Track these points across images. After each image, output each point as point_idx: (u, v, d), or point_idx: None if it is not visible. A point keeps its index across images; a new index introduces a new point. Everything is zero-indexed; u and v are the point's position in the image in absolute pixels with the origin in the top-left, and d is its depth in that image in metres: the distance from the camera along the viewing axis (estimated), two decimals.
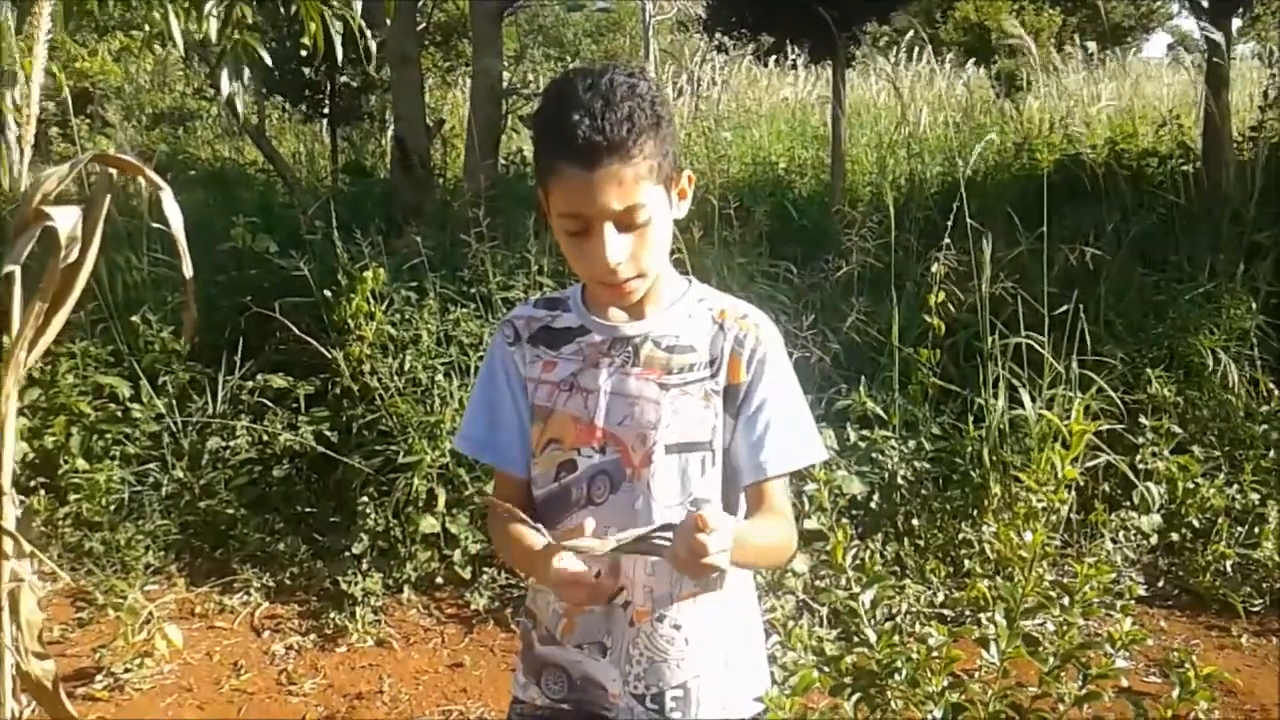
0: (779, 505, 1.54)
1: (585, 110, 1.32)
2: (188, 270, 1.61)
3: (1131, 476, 3.80)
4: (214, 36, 2.85)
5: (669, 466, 1.45)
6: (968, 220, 4.10)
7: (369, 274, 4.12)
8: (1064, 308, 3.96)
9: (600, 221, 1.35)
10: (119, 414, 4.28)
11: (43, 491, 4.07)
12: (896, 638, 1.70)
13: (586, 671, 1.49)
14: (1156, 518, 3.75)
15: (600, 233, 1.35)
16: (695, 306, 1.52)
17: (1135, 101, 8.64)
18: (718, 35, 8.62)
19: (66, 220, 1.46)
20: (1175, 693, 1.59)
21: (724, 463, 1.51)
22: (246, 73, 2.89)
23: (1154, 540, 3.76)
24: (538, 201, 1.47)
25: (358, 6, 3.07)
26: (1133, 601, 2.95)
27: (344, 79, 8.75)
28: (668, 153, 1.39)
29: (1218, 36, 5.39)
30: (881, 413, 3.87)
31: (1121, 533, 3.76)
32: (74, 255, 1.48)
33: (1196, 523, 3.76)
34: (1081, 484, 3.76)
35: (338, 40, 2.93)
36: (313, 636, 3.51)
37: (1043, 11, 15.21)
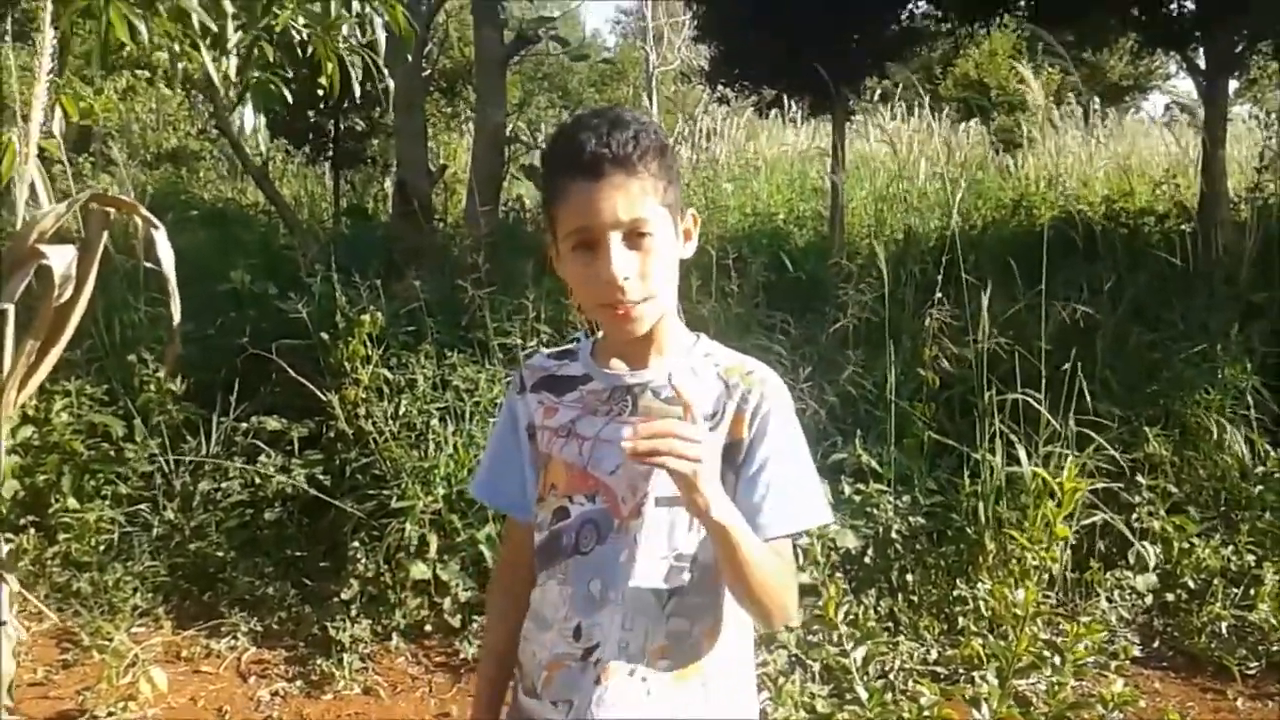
0: (786, 562, 1.52)
1: (592, 131, 1.35)
2: (176, 310, 1.61)
3: (1128, 535, 3.79)
4: (233, 74, 2.88)
5: (658, 519, 1.42)
6: (963, 275, 4.12)
7: (366, 317, 4.13)
8: (1062, 365, 3.96)
9: (606, 234, 1.35)
10: (112, 453, 4.26)
11: (32, 530, 4.04)
12: (889, 695, 1.69)
13: None
14: (1152, 577, 3.72)
15: (606, 246, 1.35)
16: (701, 361, 1.50)
17: (1133, 160, 8.72)
18: (720, 87, 8.73)
19: (61, 259, 1.47)
20: None
21: None
22: (261, 114, 2.93)
23: (1149, 600, 3.73)
24: (542, 247, 1.48)
25: (381, 48, 3.11)
26: (1127, 662, 2.93)
27: (348, 123, 8.83)
28: (673, 181, 1.41)
29: None
30: (877, 466, 3.86)
31: (1116, 592, 3.73)
32: (68, 294, 1.48)
33: (1192, 583, 3.74)
34: (1077, 542, 3.74)
35: (356, 81, 2.96)
36: (299, 683, 3.47)
37: (1041, 70, 15.37)
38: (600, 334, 1.54)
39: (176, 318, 1.61)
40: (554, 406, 1.51)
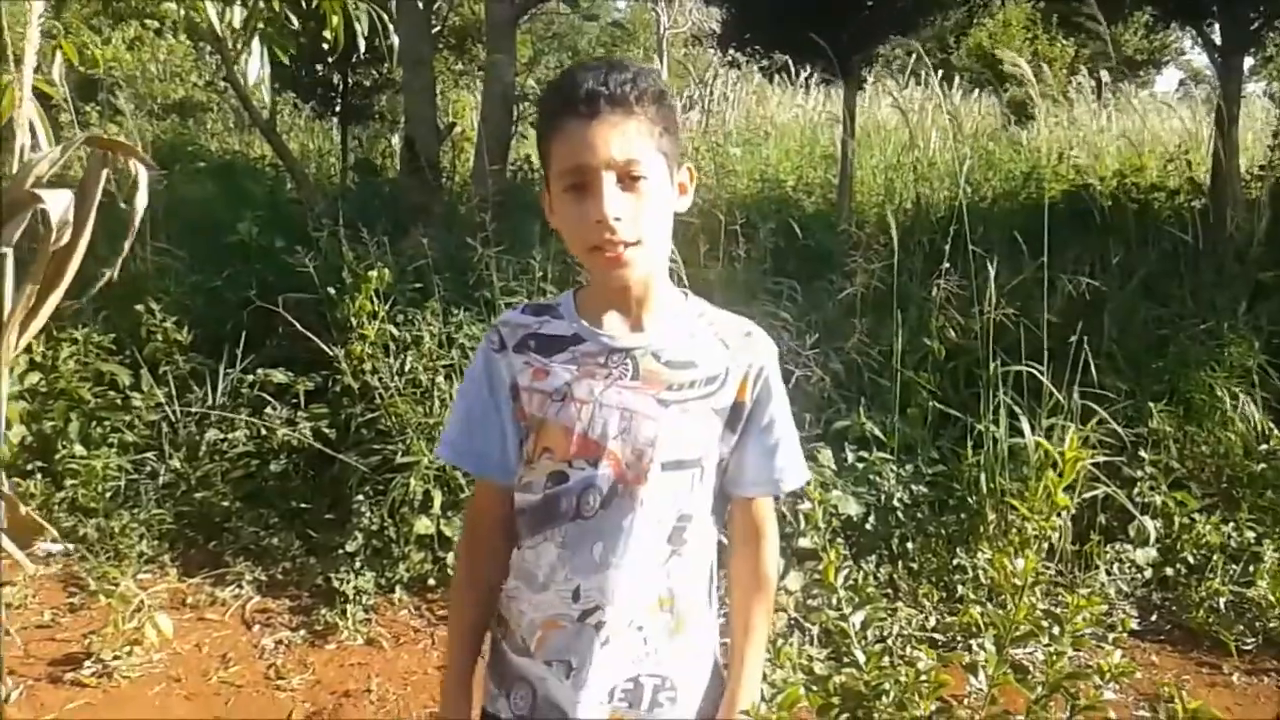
0: (772, 523, 1.56)
1: (591, 72, 1.35)
2: (129, 242, 1.61)
3: (1130, 508, 3.80)
4: (237, 24, 2.87)
5: (662, 483, 1.43)
6: (970, 245, 4.11)
7: (374, 273, 4.13)
8: (1068, 339, 3.96)
9: (599, 173, 1.33)
10: (118, 402, 4.29)
11: (39, 475, 4.07)
12: (886, 660, 1.70)
13: (549, 692, 1.46)
14: (1152, 551, 3.75)
15: (599, 185, 1.33)
16: (696, 322, 1.49)
17: (1145, 135, 8.66)
18: (730, 51, 8.67)
19: (58, 204, 1.46)
20: None
21: (719, 479, 1.50)
22: (267, 65, 2.93)
23: (1148, 574, 3.76)
24: (540, 197, 1.45)
25: (391, 1, 3.09)
26: (1125, 635, 2.96)
27: (356, 78, 8.78)
28: (670, 130, 1.39)
29: None
30: (880, 435, 3.88)
31: (1116, 565, 3.75)
32: (65, 238, 1.47)
33: (1191, 558, 3.76)
34: (1078, 515, 3.76)
35: (361, 36, 2.95)
36: (303, 632, 3.50)
37: (1055, 41, 15.25)
38: (585, 286, 1.52)
39: (126, 247, 1.61)
40: (544, 369, 1.46)
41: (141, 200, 1.53)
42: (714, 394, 1.45)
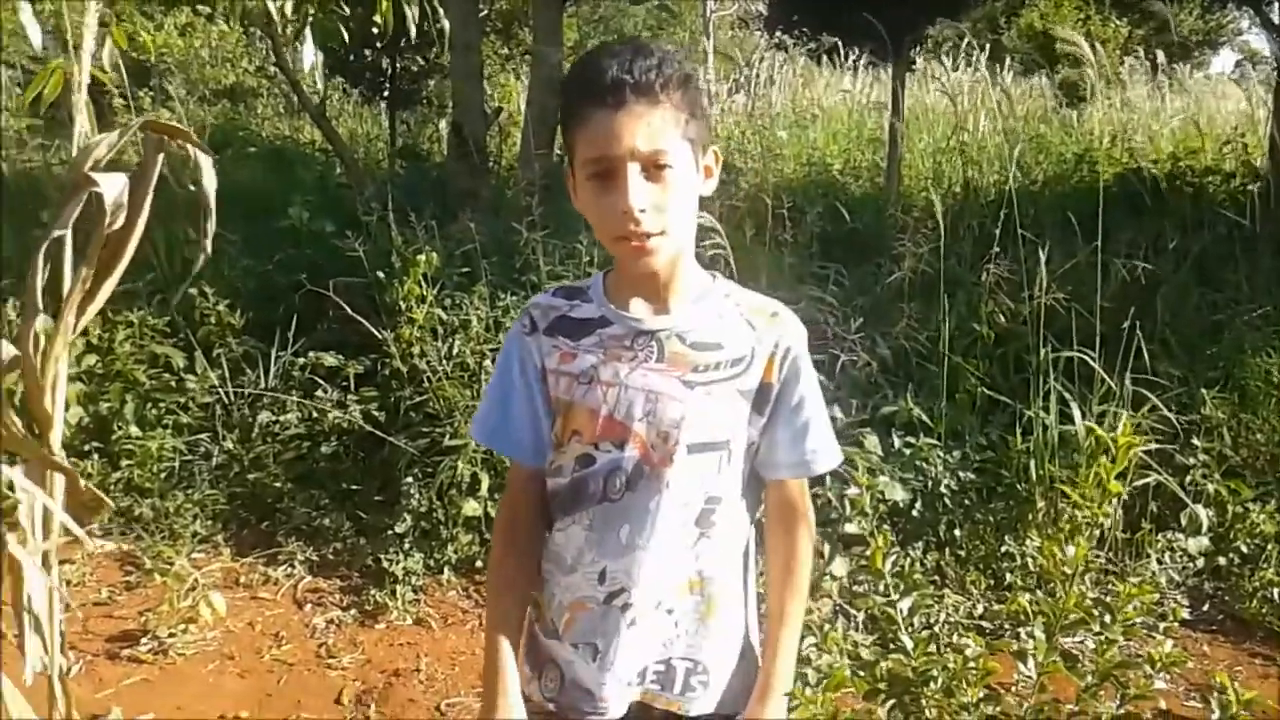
0: (806, 503, 1.55)
1: (615, 58, 1.32)
2: (210, 227, 1.63)
3: (1183, 496, 3.75)
4: (289, 11, 2.90)
5: (689, 465, 1.43)
6: (1019, 230, 4.06)
7: (422, 258, 4.17)
8: (1119, 323, 3.91)
9: (625, 164, 1.31)
10: (173, 384, 4.37)
11: (96, 456, 4.16)
12: (933, 647, 1.69)
13: (576, 673, 1.47)
14: (1204, 540, 3.69)
15: (624, 176, 1.32)
16: (723, 303, 1.48)
17: (1200, 117, 8.49)
18: (778, 33, 8.61)
19: (113, 187, 1.48)
20: (1215, 718, 1.57)
21: (749, 460, 1.50)
22: (319, 52, 2.95)
23: (1200, 564, 3.71)
24: (565, 178, 1.43)
25: None
26: (1177, 624, 2.92)
27: (404, 63, 8.82)
28: (697, 115, 1.37)
29: None
30: (927, 420, 3.85)
31: (1168, 554, 3.71)
32: (120, 222, 1.49)
33: (1245, 548, 3.70)
34: (1129, 503, 3.72)
35: (411, 20, 2.96)
36: (353, 612, 3.56)
37: (1109, 22, 14.98)
38: (613, 269, 1.52)
39: (209, 236, 1.63)
40: (571, 352, 1.47)
41: (210, 183, 1.55)
42: (740, 375, 1.45)
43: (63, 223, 1.45)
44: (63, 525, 1.51)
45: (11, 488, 1.50)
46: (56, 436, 1.56)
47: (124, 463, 4.14)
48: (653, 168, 1.33)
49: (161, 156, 1.58)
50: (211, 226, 1.59)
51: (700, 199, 1.43)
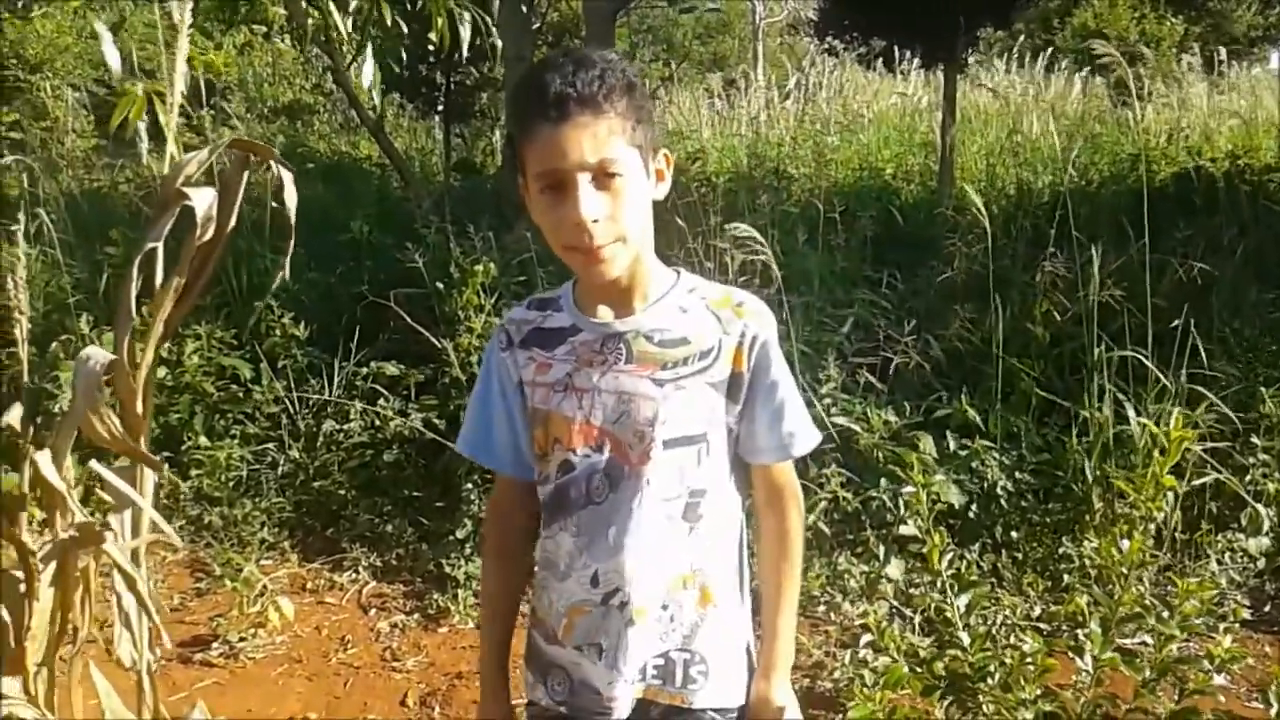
0: (794, 484, 1.58)
1: (557, 70, 1.34)
2: (290, 244, 1.71)
3: (1243, 495, 3.71)
4: (346, 30, 2.98)
5: (667, 461, 1.45)
6: (1073, 231, 4.05)
7: (479, 268, 4.25)
8: (1175, 322, 3.88)
9: (574, 176, 1.33)
10: (240, 395, 4.49)
11: (166, 466, 4.28)
12: (990, 644, 1.72)
13: (584, 674, 1.50)
14: (1265, 540, 3.65)
15: (574, 188, 1.33)
16: (687, 298, 1.50)
17: (1258, 114, 8.35)
18: (828, 38, 8.61)
19: (203, 201, 1.56)
20: (1275, 712, 1.58)
21: (731, 449, 1.52)
22: (378, 69, 3.04)
23: (1261, 564, 3.66)
24: (520, 190, 1.45)
25: (494, 2, 3.18)
26: (1237, 624, 2.90)
27: (459, 77, 8.94)
28: (643, 120, 1.39)
29: None
30: (981, 422, 3.85)
31: (1227, 554, 3.67)
32: (209, 234, 1.57)
33: None
34: (1188, 503, 3.68)
35: (465, 36, 3.03)
36: (416, 616, 3.63)
37: (1164, 20, 14.77)
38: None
39: (289, 251, 1.72)
40: (547, 362, 1.50)
41: (291, 200, 1.63)
42: (709, 368, 1.47)
43: (156, 235, 1.53)
44: (151, 522, 1.58)
45: (100, 485, 1.58)
46: (145, 439, 1.64)
47: (193, 472, 4.26)
48: (603, 176, 1.34)
49: (245, 173, 1.67)
50: (290, 245, 1.67)
51: (654, 203, 1.45)
